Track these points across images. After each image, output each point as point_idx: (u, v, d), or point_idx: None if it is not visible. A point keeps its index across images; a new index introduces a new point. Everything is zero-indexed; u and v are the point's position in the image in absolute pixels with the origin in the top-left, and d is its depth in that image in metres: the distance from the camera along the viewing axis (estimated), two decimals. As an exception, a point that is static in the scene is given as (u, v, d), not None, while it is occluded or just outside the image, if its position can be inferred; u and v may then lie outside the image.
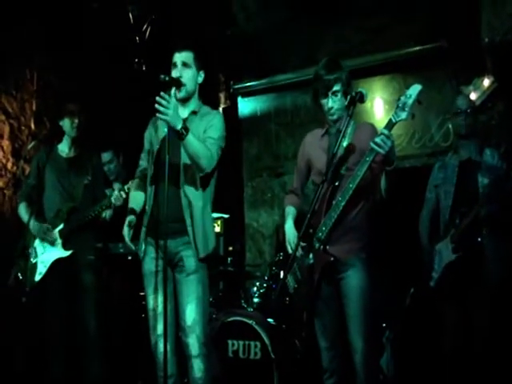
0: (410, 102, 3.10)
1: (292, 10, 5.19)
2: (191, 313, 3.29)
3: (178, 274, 3.39)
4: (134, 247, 3.42)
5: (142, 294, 4.63)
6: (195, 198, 3.38)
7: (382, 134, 3.07)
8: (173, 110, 3.07)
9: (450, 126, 4.83)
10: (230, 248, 5.41)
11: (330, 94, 3.38)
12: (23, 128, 5.38)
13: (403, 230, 4.50)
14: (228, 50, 4.98)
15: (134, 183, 3.67)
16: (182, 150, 3.30)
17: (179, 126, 3.11)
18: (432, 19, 4.95)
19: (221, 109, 5.99)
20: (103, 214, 4.30)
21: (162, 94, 3.06)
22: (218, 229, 5.29)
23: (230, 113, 5.90)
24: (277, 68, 5.48)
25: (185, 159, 3.34)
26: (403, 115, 3.11)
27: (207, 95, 3.60)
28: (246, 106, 6.00)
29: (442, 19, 4.87)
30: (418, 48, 4.97)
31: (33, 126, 5.45)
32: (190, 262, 3.34)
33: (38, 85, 5.50)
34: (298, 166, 3.71)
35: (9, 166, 5.24)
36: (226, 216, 5.45)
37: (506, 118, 4.58)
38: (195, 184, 3.38)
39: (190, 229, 3.34)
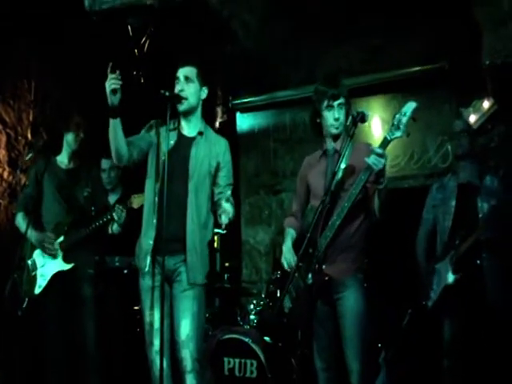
0: (405, 119, 3.12)
1: (292, 27, 5.19)
2: (185, 328, 3.29)
3: (174, 290, 3.39)
4: None
5: (136, 308, 4.67)
6: (198, 218, 3.41)
7: (375, 152, 3.07)
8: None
9: (449, 147, 4.84)
10: (227, 264, 5.39)
11: (335, 105, 3.39)
12: (20, 138, 5.37)
13: (400, 249, 4.48)
14: (227, 65, 4.97)
15: None
16: (190, 169, 3.40)
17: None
18: (433, 40, 4.98)
19: (217, 123, 5.98)
20: (110, 228, 4.29)
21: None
22: (214, 244, 5.26)
23: (228, 128, 5.90)
24: (276, 84, 5.48)
25: (192, 179, 3.40)
26: (398, 133, 3.12)
27: (204, 109, 3.60)
28: (245, 122, 6.00)
29: (442, 40, 4.89)
30: (418, 68, 4.99)
31: (29, 135, 5.43)
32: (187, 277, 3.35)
33: (35, 95, 5.49)
34: (297, 189, 3.71)
35: (5, 175, 5.22)
36: (222, 232, 5.42)
37: (506, 141, 4.57)
38: (199, 206, 3.43)
39: (189, 253, 3.37)
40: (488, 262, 3.64)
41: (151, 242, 3.40)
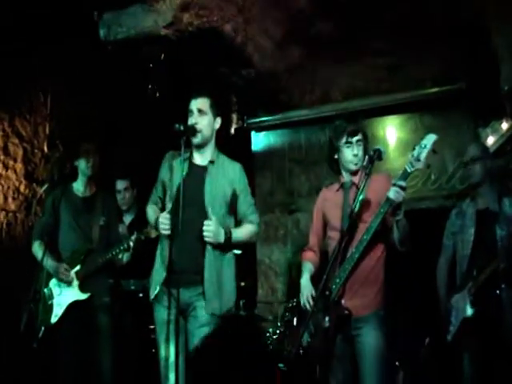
0: (425, 151, 3.10)
1: (307, 47, 5.15)
2: None
3: (190, 325, 3.35)
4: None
5: (152, 327, 4.65)
6: (215, 250, 3.39)
7: (397, 185, 3.05)
8: (214, 228, 3.26)
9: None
10: (242, 284, 5.37)
11: (354, 141, 3.37)
12: (36, 151, 5.38)
13: (418, 272, 4.44)
14: (242, 87, 4.96)
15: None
16: (206, 200, 3.38)
17: (222, 240, 3.31)
18: (451, 60, 4.94)
19: (232, 129, 5.95)
20: (120, 257, 4.29)
21: (205, 222, 3.26)
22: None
23: (243, 146, 5.89)
24: (291, 104, 5.45)
25: (207, 210, 3.37)
26: (418, 165, 3.11)
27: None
28: (260, 141, 5.99)
29: (460, 61, 4.85)
30: (435, 89, 4.94)
31: (46, 148, 5.45)
32: (202, 312, 3.32)
33: (51, 108, 5.51)
34: (314, 222, 3.68)
35: (21, 188, 5.23)
36: (238, 252, 5.40)
37: (525, 163, 4.53)
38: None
39: (207, 284, 3.34)
40: (507, 293, 3.60)
41: (164, 274, 3.38)
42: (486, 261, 3.63)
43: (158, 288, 3.38)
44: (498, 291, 3.60)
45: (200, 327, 3.31)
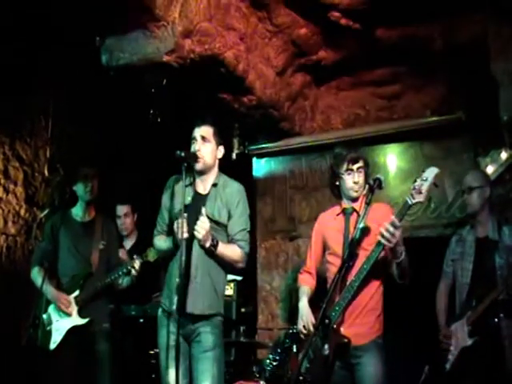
0: (427, 185, 3.11)
1: (308, 76, 5.22)
2: None
3: (194, 350, 3.36)
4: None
5: (151, 352, 4.64)
6: (217, 278, 3.44)
7: (390, 223, 3.06)
8: (207, 227, 3.25)
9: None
10: (243, 310, 5.37)
11: (355, 169, 3.40)
12: (37, 175, 5.40)
13: (417, 300, 4.43)
14: (244, 114, 4.99)
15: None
16: None
17: (208, 245, 3.29)
18: (450, 90, 4.99)
19: (234, 154, 5.98)
20: (120, 281, 4.29)
21: (201, 218, 3.26)
22: (230, 291, 5.25)
23: (244, 172, 5.90)
24: (292, 132, 5.48)
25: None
26: (420, 198, 3.12)
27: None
28: (261, 167, 6.00)
29: (459, 91, 4.89)
30: (434, 118, 4.97)
31: (46, 172, 5.47)
32: (207, 338, 3.34)
33: (52, 132, 5.54)
34: (312, 246, 3.69)
35: (22, 212, 5.24)
36: (239, 278, 5.41)
37: (524, 192, 4.56)
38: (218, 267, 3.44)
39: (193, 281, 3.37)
40: (506, 323, 3.60)
41: (175, 306, 3.33)
42: (485, 290, 3.64)
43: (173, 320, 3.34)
44: (496, 320, 3.61)
45: (205, 352, 3.32)
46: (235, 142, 5.99)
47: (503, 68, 4.14)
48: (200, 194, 3.52)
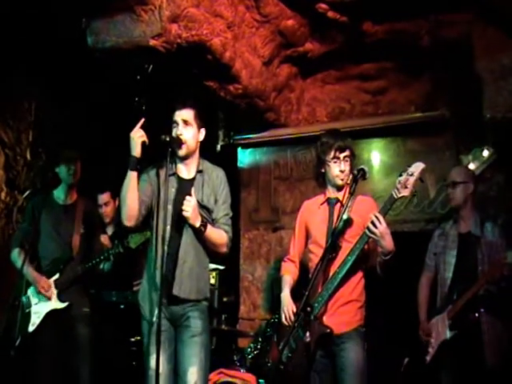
0: (413, 179, 3.13)
1: (294, 68, 5.22)
2: (193, 375, 3.25)
3: (182, 335, 3.35)
4: None
5: (132, 339, 4.63)
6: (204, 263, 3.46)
7: (374, 216, 3.09)
8: (194, 205, 3.24)
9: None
10: (225, 299, 5.37)
11: (341, 157, 3.41)
12: (18, 158, 5.34)
13: (398, 294, 4.48)
14: (230, 103, 4.97)
15: None
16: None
17: (198, 224, 3.27)
18: (434, 87, 5.02)
19: (219, 146, 5.96)
20: (101, 266, 4.27)
21: (187, 198, 3.25)
22: (212, 281, 5.26)
23: (229, 162, 5.89)
24: (278, 123, 5.49)
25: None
26: (405, 192, 3.14)
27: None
28: (246, 157, 5.99)
29: (444, 88, 4.94)
30: (418, 114, 5.01)
31: (28, 156, 5.41)
32: (196, 323, 3.33)
33: (35, 116, 5.48)
34: (296, 234, 3.70)
35: (2, 196, 5.19)
36: (221, 267, 5.41)
37: (505, 190, 4.61)
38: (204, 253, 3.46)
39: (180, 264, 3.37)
40: (486, 317, 3.65)
41: (157, 294, 3.26)
42: (466, 284, 3.68)
43: (157, 309, 3.24)
44: (476, 314, 3.66)
45: (193, 337, 3.30)
46: (220, 133, 5.98)
47: (487, 66, 4.19)
48: (184, 180, 3.49)
